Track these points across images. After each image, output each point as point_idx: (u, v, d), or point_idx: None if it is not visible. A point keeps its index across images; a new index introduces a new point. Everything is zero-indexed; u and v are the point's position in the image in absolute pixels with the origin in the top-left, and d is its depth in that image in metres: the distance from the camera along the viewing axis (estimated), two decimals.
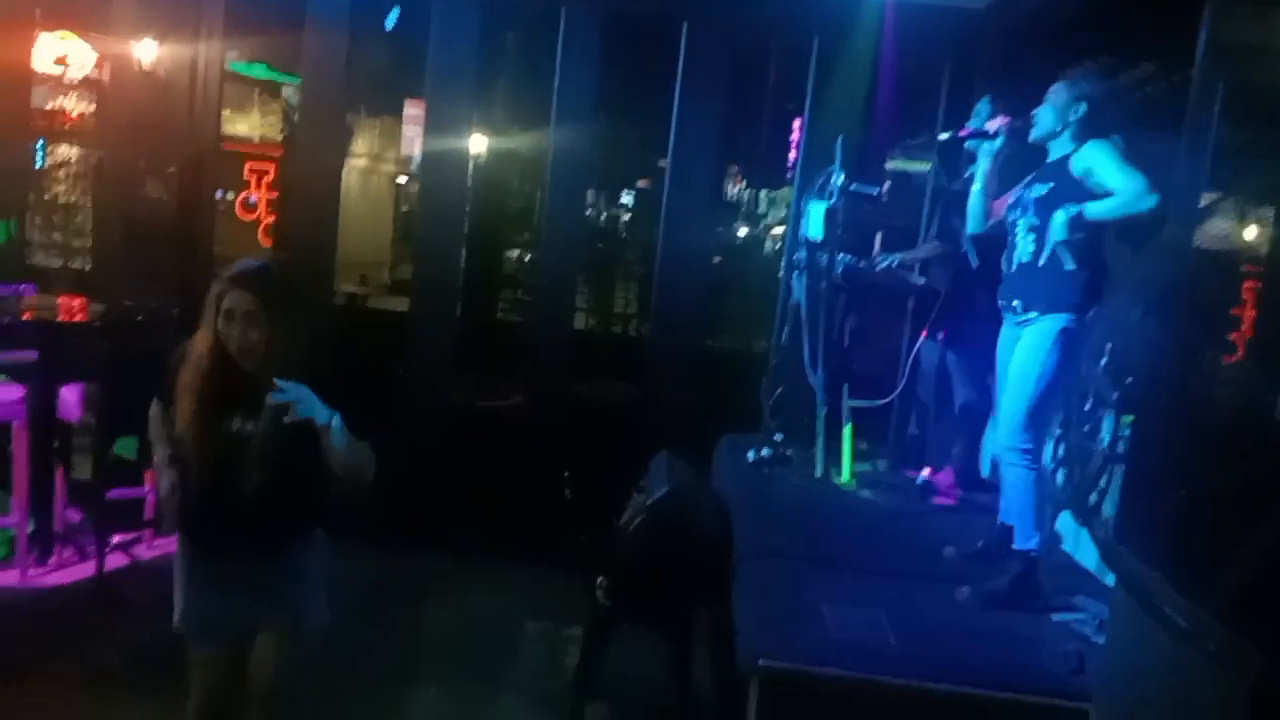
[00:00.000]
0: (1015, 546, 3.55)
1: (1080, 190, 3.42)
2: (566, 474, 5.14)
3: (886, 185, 5.32)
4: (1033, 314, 3.54)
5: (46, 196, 7.62)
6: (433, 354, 6.15)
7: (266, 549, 2.79)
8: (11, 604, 4.57)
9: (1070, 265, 3.44)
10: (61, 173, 7.72)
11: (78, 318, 5.32)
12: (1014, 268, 3.66)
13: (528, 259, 7.59)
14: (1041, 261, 3.51)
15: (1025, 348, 3.55)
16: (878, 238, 5.29)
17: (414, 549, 5.48)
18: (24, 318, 5.31)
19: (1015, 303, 3.63)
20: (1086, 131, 3.47)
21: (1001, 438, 3.63)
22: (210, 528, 2.77)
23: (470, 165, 7.25)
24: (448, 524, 5.53)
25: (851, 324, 4.94)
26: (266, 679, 2.80)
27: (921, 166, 5.80)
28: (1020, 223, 3.63)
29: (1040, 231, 3.51)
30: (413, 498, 5.60)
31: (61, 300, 5.43)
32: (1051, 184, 3.51)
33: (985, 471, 4.68)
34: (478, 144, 7.39)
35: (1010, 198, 3.73)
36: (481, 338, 6.43)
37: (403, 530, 5.48)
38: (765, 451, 4.83)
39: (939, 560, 3.88)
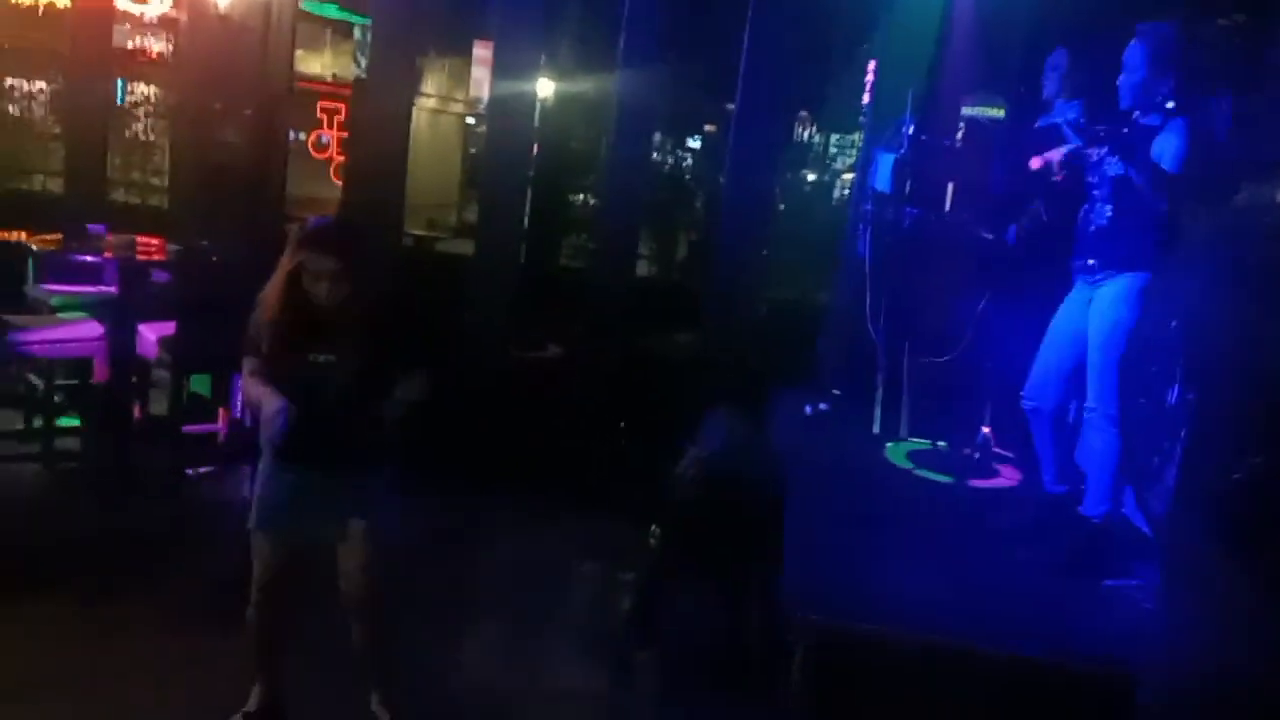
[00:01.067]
0: (1084, 512, 3.51)
1: (1156, 171, 3.31)
2: (622, 423, 5.18)
3: (960, 135, 5.18)
4: (1110, 272, 3.47)
5: (127, 134, 7.81)
6: (495, 299, 6.21)
7: (340, 465, 3.13)
8: (91, 536, 4.77)
9: (1148, 227, 3.36)
10: (140, 111, 7.89)
11: (155, 256, 5.49)
12: (1090, 230, 3.57)
13: (592, 205, 7.57)
14: (1117, 227, 3.44)
15: (1106, 310, 3.48)
16: (949, 190, 5.17)
17: (471, 492, 5.57)
18: (105, 256, 5.49)
19: (1091, 262, 3.55)
20: (1168, 106, 3.35)
21: (1091, 401, 3.56)
22: (294, 446, 3.08)
23: (537, 108, 7.23)
24: (505, 469, 5.62)
25: (917, 279, 4.85)
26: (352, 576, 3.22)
27: (997, 115, 5.63)
28: (1096, 194, 3.54)
29: (1117, 206, 3.43)
30: (472, 442, 5.69)
31: (140, 239, 5.59)
32: (1130, 165, 3.39)
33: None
34: (544, 87, 7.36)
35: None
36: (544, 284, 6.46)
37: (461, 473, 5.58)
38: (823, 406, 4.80)
39: (993, 524, 3.86)
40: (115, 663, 3.68)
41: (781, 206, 7.32)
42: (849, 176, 8.97)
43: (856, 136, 8.79)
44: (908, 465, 4.26)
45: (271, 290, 3.06)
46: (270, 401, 3.00)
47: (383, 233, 6.17)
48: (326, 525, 3.21)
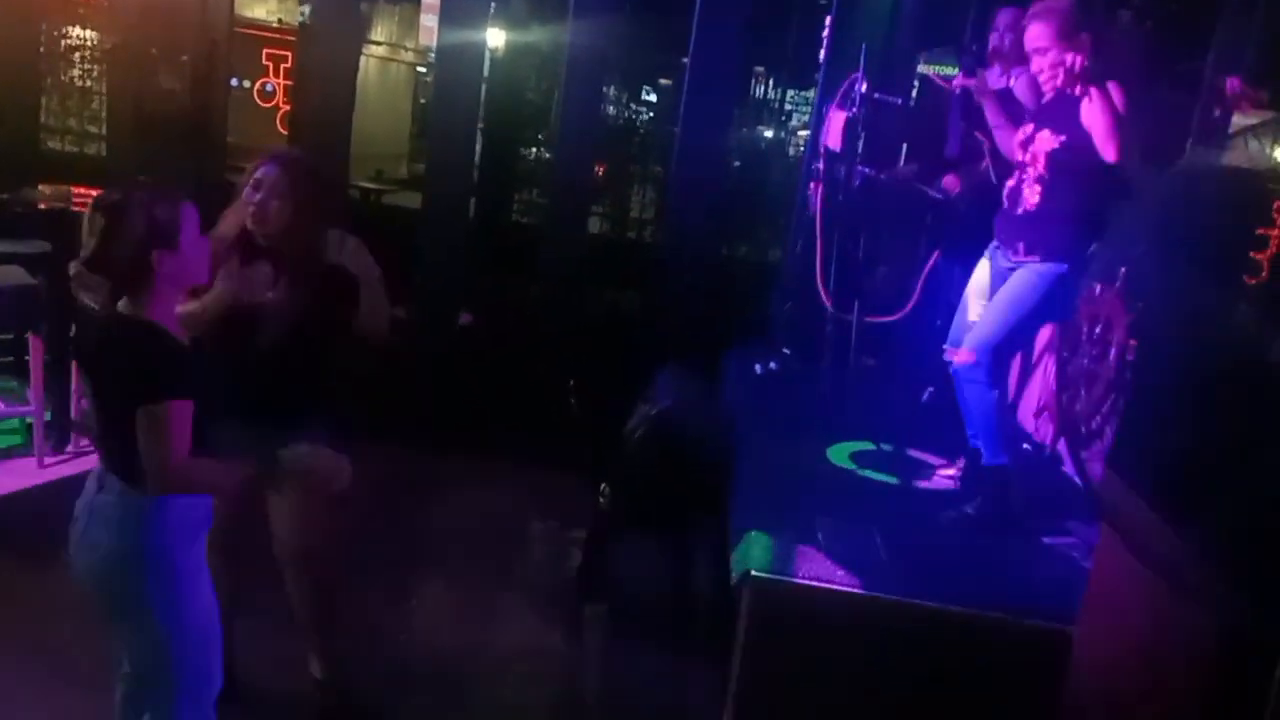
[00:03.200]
0: (985, 464, 3.56)
1: (1087, 142, 3.31)
2: (572, 382, 5.16)
3: (913, 94, 5.18)
4: (1034, 259, 3.49)
5: (63, 79, 7.53)
6: (444, 253, 6.13)
7: (269, 407, 2.89)
8: (28, 493, 4.68)
9: (1073, 216, 3.38)
10: (76, 56, 7.61)
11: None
12: (1019, 211, 3.57)
13: (543, 158, 7.48)
14: (1045, 211, 3.45)
15: (1020, 284, 3.50)
16: (903, 149, 5.17)
17: (423, 448, 5.55)
18: (39, 207, 5.32)
19: (1019, 245, 3.56)
20: (1088, 76, 3.33)
21: (967, 354, 3.59)
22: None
23: (487, 58, 7.09)
24: (457, 425, 5.59)
25: (867, 239, 4.86)
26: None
27: (951, 73, 5.62)
28: (1029, 170, 3.52)
29: (1047, 184, 3.43)
30: (422, 399, 5.65)
31: (76, 190, 5.41)
32: (1063, 137, 3.39)
33: None
34: (495, 37, 7.21)
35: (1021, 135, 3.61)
36: (494, 238, 6.39)
37: (412, 430, 5.54)
38: (773, 365, 4.82)
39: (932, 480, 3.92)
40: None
41: (735, 163, 7.28)
42: (804, 134, 8.95)
43: (812, 94, 8.76)
44: (850, 466, 4.01)
45: (222, 220, 2.98)
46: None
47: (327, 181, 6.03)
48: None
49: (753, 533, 3.20)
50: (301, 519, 3.15)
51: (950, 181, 4.43)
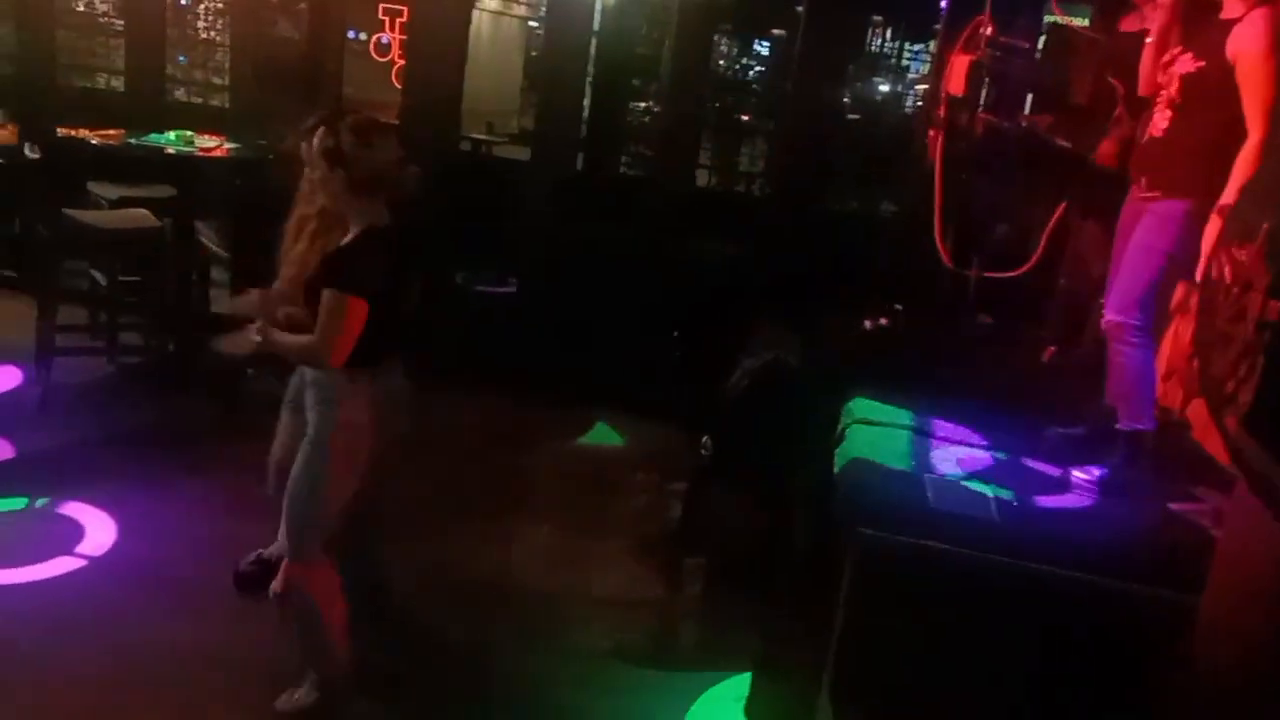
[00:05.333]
0: (1122, 427, 3.37)
1: (1228, 78, 3.05)
2: (676, 333, 5.11)
3: (1041, 39, 4.90)
4: (1155, 195, 3.26)
5: (189, 33, 7.76)
6: (550, 205, 6.12)
7: None
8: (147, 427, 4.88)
9: (1198, 148, 3.13)
10: (201, 8, 7.83)
11: (216, 154, 5.48)
12: (1145, 138, 3.34)
13: (652, 112, 7.38)
14: (1171, 139, 3.20)
15: (1146, 232, 3.28)
16: (1028, 98, 4.91)
17: (522, 397, 5.58)
18: (166, 152, 5.51)
19: (1142, 178, 3.34)
20: None
21: (1112, 314, 3.40)
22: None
23: (598, 9, 7.02)
24: (558, 374, 5.61)
25: (989, 189, 4.63)
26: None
27: (1081, 20, 5.31)
28: (1162, 94, 3.28)
29: (1177, 109, 3.19)
30: (524, 347, 5.68)
31: (199, 136, 5.59)
32: (1202, 63, 3.14)
33: None
34: None
35: (1166, 56, 3.37)
36: (601, 191, 6.35)
37: (510, 378, 5.59)
38: (883, 320, 4.66)
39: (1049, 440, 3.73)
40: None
41: (850, 116, 7.07)
42: (922, 88, 8.64)
43: (931, 46, 8.44)
44: (957, 473, 3.38)
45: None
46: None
47: (438, 134, 6.09)
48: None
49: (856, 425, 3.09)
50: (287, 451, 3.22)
51: (1106, 150, 4.11)
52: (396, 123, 3.53)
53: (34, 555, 3.67)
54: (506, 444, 5.29)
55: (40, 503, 4.04)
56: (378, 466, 3.00)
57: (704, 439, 4.15)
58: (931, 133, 4.62)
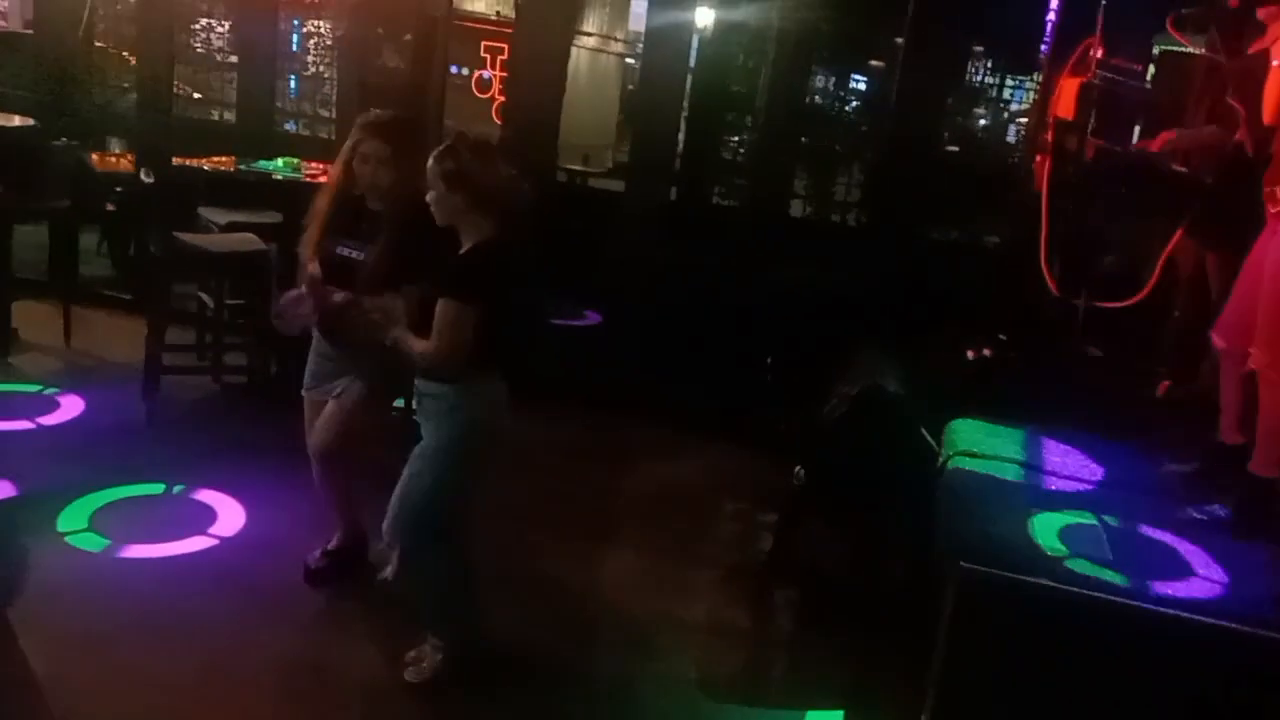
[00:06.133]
0: (1252, 469, 3.16)
1: None
2: (770, 360, 5.04)
3: (1152, 63, 4.73)
4: None
5: (296, 66, 8.05)
6: (644, 235, 6.13)
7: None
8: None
9: None
10: (311, 44, 8.12)
11: (321, 179, 5.62)
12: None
13: (747, 142, 7.37)
14: None
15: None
16: (1137, 124, 4.74)
17: (616, 419, 5.61)
18: (274, 178, 5.68)
19: (1272, 190, 3.14)
20: None
21: (1262, 353, 3.19)
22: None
23: (694, 41, 7.05)
24: (650, 397, 5.60)
25: (1098, 215, 4.46)
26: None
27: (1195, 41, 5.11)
28: None
29: None
30: (618, 370, 5.68)
31: (307, 163, 5.75)
32: None
33: None
34: (703, 17, 7.16)
35: None
36: (695, 220, 6.34)
37: (606, 400, 5.60)
38: (985, 351, 4.51)
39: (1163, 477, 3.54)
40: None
41: (950, 148, 6.94)
42: (1024, 120, 8.45)
43: (1034, 78, 8.26)
44: (1059, 550, 2.90)
45: (329, 174, 3.49)
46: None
47: (535, 166, 6.18)
48: (332, 388, 3.58)
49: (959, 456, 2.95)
50: (331, 421, 3.58)
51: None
52: None
53: (172, 534, 4.02)
54: (595, 467, 5.27)
55: (176, 489, 4.40)
56: (487, 469, 3.21)
57: (797, 468, 4.05)
58: (1038, 158, 4.50)
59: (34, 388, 5.27)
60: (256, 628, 3.51)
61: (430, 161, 2.98)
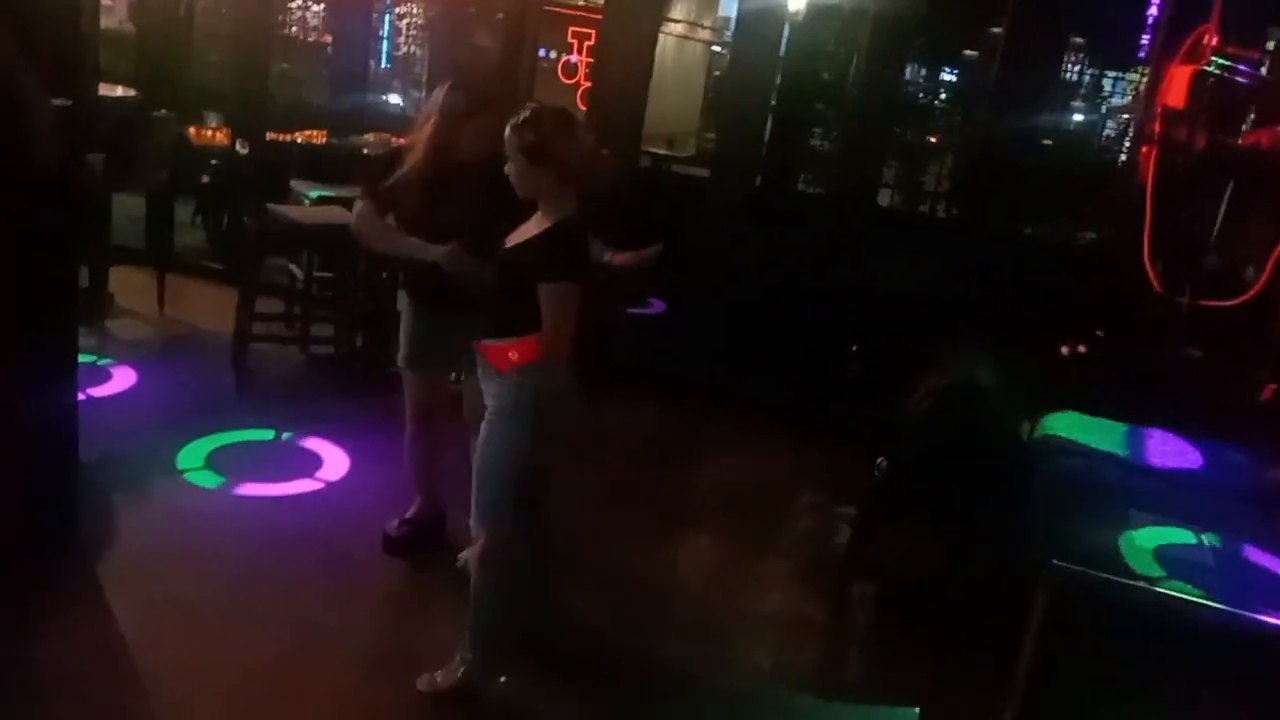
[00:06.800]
0: None
1: None
2: (855, 348, 4.94)
3: (1269, 51, 4.51)
4: None
5: (389, 48, 8.16)
6: (727, 222, 6.07)
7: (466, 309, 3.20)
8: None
9: None
10: (403, 24, 8.22)
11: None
12: None
13: (835, 131, 7.25)
14: None
15: None
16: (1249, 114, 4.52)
17: (691, 409, 5.57)
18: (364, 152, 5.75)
19: None
20: None
21: None
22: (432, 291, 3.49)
23: (785, 28, 6.94)
24: (726, 388, 5.55)
25: (1206, 209, 4.27)
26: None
27: None
28: None
29: None
30: (692, 360, 5.64)
31: (395, 139, 5.80)
32: None
33: None
34: (795, 2, 7.05)
35: None
36: (780, 208, 6.25)
37: (681, 390, 5.57)
38: (1080, 347, 4.36)
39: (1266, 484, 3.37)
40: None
41: (1045, 141, 6.75)
42: (1124, 115, 8.18)
43: (1133, 76, 7.99)
44: (1154, 569, 2.76)
45: (418, 139, 3.38)
46: (426, 251, 3.30)
47: (620, 150, 6.17)
48: (454, 361, 3.60)
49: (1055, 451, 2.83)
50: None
51: None
52: None
53: (281, 475, 4.33)
54: (670, 456, 5.25)
55: (286, 436, 4.72)
56: (564, 444, 3.07)
57: (879, 460, 3.96)
58: (1144, 149, 4.32)
59: (92, 358, 5.20)
60: (348, 579, 3.65)
61: (508, 132, 2.85)
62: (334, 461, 4.51)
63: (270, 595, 3.47)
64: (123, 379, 5.13)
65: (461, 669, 3.06)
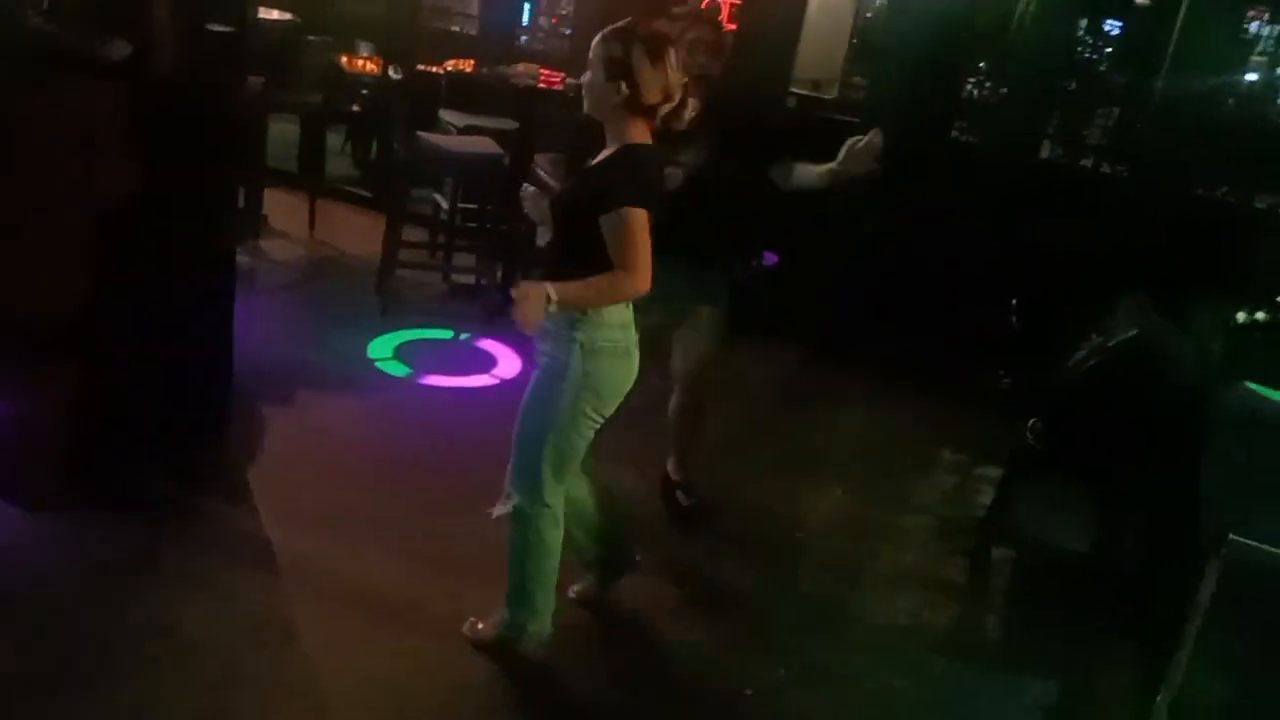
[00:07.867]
0: None
1: None
2: (1014, 302, 4.72)
3: None
4: None
5: None
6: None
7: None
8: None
9: None
10: None
11: (555, 86, 5.65)
12: None
13: (994, 79, 6.89)
14: None
15: None
16: None
17: (829, 362, 5.50)
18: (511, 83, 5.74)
19: None
20: None
21: None
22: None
23: None
24: (877, 340, 5.41)
25: None
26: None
27: None
28: None
29: None
30: (846, 311, 5.52)
31: (544, 70, 5.78)
32: None
33: None
34: None
35: None
36: (932, 158, 5.99)
37: (831, 341, 5.46)
38: (1260, 315, 4.06)
39: None
40: None
41: (1228, 100, 6.27)
42: None
43: None
44: None
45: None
46: None
47: (769, 92, 6.05)
48: (683, 307, 3.50)
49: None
50: (701, 344, 3.62)
51: None
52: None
53: (460, 370, 4.75)
54: (807, 408, 5.16)
55: (463, 336, 5.16)
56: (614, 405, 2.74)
57: (1032, 421, 3.78)
58: None
59: None
60: None
61: (596, 40, 2.57)
62: (507, 361, 4.90)
63: (446, 486, 3.68)
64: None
65: (497, 628, 2.91)
